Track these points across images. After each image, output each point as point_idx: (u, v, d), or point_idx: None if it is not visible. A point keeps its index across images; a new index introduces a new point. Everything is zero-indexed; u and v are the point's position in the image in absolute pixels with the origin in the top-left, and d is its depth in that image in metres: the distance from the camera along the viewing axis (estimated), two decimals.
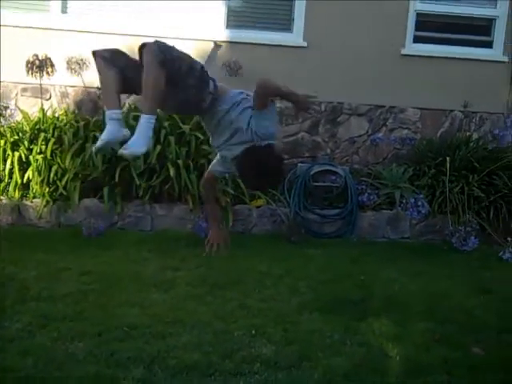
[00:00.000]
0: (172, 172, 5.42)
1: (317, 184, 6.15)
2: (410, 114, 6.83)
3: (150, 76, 2.78)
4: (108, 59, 2.99)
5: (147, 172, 5.57)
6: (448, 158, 6.05)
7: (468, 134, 6.72)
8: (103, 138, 2.91)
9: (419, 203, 5.85)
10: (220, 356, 3.21)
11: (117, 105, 3.00)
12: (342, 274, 4.68)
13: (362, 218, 5.96)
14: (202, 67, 3.01)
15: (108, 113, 2.95)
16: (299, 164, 6.39)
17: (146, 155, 5.48)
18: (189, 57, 3.01)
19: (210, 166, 3.34)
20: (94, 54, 3.02)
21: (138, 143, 2.79)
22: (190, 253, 4.98)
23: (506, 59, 6.81)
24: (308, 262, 4.99)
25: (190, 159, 5.60)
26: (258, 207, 5.85)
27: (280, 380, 3.00)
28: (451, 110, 6.91)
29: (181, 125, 5.72)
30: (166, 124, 5.66)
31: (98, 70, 3.03)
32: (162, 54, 2.78)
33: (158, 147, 5.50)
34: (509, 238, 5.59)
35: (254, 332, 3.53)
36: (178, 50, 2.94)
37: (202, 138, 5.59)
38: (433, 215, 6.00)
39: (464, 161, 6.18)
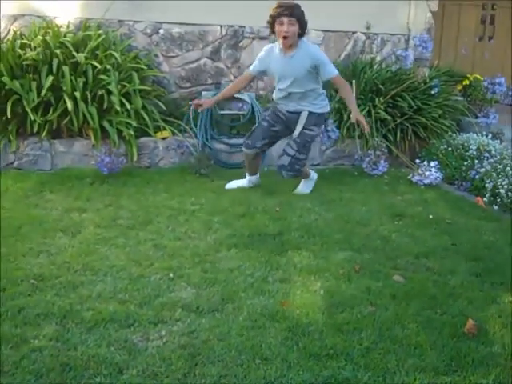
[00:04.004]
0: (69, 105, 5.01)
1: (223, 112, 5.95)
2: (312, 37, 6.65)
3: None
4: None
5: (42, 106, 5.13)
6: (354, 81, 5.98)
7: (371, 56, 6.68)
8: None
9: (329, 128, 5.79)
10: (138, 304, 3.01)
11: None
12: (256, 207, 4.55)
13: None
14: None
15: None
16: (203, 92, 6.13)
17: (39, 87, 5.06)
18: None
19: None
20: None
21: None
22: (96, 191, 4.70)
23: None
24: (220, 195, 4.82)
25: (87, 91, 5.19)
26: (163, 139, 5.59)
27: (204, 326, 2.85)
28: (353, 32, 6.82)
29: (74, 53, 5.25)
30: (57, 52, 5.17)
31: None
32: None
33: (51, 78, 5.06)
34: (417, 161, 5.64)
35: (171, 275, 3.34)
36: None
37: (99, 67, 5.19)
38: (341, 140, 5.97)
39: (369, 83, 6.14)
